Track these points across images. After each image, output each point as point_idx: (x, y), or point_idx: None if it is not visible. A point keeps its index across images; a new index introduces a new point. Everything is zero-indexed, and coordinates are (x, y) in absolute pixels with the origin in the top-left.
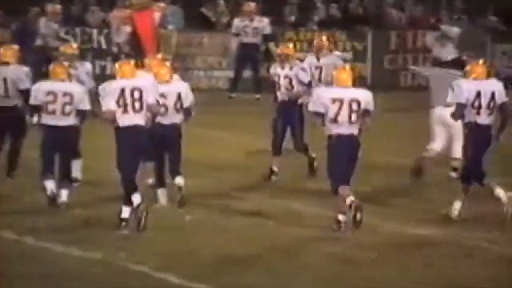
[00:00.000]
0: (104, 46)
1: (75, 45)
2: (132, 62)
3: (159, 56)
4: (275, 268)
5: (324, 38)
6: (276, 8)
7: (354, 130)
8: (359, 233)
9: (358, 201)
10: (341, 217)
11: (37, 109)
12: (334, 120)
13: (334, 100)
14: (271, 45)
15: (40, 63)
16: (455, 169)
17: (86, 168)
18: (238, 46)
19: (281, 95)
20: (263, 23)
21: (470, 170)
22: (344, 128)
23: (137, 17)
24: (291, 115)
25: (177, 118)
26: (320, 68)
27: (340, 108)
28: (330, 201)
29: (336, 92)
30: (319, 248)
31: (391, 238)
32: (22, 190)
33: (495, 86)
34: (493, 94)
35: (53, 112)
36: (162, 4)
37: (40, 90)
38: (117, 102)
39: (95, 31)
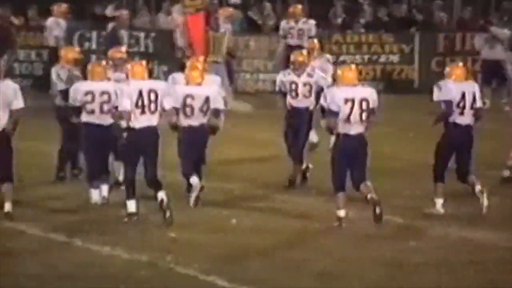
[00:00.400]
0: (151, 49)
1: (123, 49)
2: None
3: (209, 58)
4: (323, 272)
5: (315, 40)
6: (323, 10)
7: (362, 129)
8: (405, 237)
9: (375, 197)
10: (341, 213)
11: (78, 110)
12: (347, 120)
13: (346, 100)
14: None
15: None
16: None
17: None
18: (284, 48)
19: (297, 102)
20: (309, 25)
21: (443, 169)
22: (354, 127)
23: (190, 19)
24: (302, 122)
25: (204, 120)
26: None
27: (352, 108)
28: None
29: (348, 92)
30: (365, 251)
31: (439, 242)
32: (71, 192)
33: (475, 88)
34: (474, 96)
35: (92, 112)
36: (230, 9)
37: (78, 91)
38: (136, 104)
39: (142, 34)
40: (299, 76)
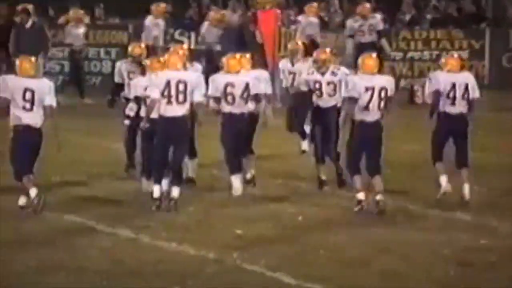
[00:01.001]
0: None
1: (185, 46)
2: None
3: (279, 54)
4: (390, 271)
5: (299, 42)
6: (390, 7)
7: (379, 116)
8: (475, 235)
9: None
10: (360, 195)
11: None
12: (366, 108)
13: (367, 89)
14: (383, 41)
15: None
16: None
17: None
18: (355, 46)
19: (322, 101)
20: (376, 20)
21: (439, 152)
22: (372, 115)
23: (261, 15)
24: (330, 121)
25: (246, 108)
26: (293, 74)
27: (371, 96)
28: (447, 201)
29: (368, 80)
30: (434, 250)
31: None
32: (139, 187)
33: (468, 79)
34: (466, 86)
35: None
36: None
37: (138, 86)
38: (162, 93)
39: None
40: (322, 74)
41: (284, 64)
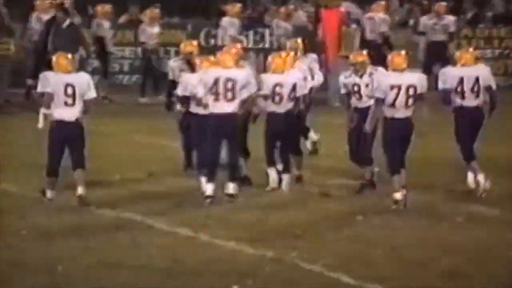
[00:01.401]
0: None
1: (239, 46)
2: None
3: (341, 53)
4: (452, 271)
5: (298, 40)
6: (452, 5)
7: (409, 113)
8: None
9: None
10: (397, 195)
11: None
12: (392, 105)
13: (392, 87)
14: (451, 45)
15: None
16: None
17: None
18: (426, 44)
19: (361, 103)
20: (449, 20)
21: (467, 150)
22: (400, 112)
23: (325, 14)
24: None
25: (289, 107)
26: None
27: (398, 94)
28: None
29: (395, 78)
30: (497, 250)
31: None
32: (197, 185)
33: (480, 71)
34: (477, 79)
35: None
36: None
37: (188, 83)
38: (210, 91)
39: (267, 31)
40: (361, 77)
41: None
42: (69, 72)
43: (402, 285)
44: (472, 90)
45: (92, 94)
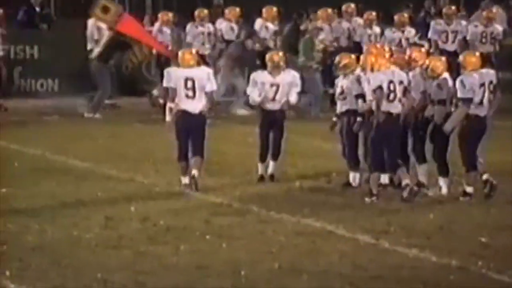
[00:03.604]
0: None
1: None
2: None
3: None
4: None
5: (280, 53)
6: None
7: (488, 110)
8: None
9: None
10: (468, 189)
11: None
12: (480, 103)
13: (481, 85)
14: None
15: None
16: None
17: None
18: None
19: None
20: (497, 30)
21: (473, 158)
22: (484, 109)
23: None
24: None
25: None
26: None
27: (484, 92)
28: None
29: (481, 76)
30: None
31: None
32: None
33: (492, 76)
34: (491, 83)
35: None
36: None
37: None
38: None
39: None
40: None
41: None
42: (191, 66)
43: None
44: (489, 96)
45: (212, 86)
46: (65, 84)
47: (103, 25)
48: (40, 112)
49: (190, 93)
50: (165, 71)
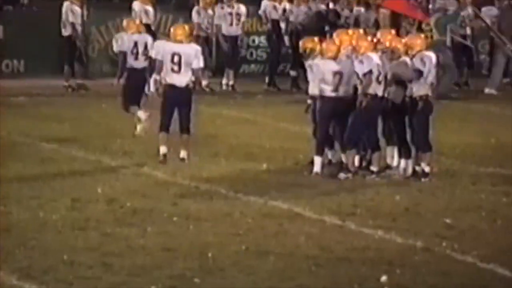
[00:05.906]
0: None
1: None
2: None
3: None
4: None
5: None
6: None
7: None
8: None
9: None
10: (427, 168)
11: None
12: (431, 84)
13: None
14: None
15: None
16: None
17: None
18: None
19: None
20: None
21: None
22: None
23: None
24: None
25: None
26: None
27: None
28: None
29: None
30: None
31: None
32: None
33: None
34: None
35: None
36: None
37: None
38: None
39: None
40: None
41: None
42: (180, 42)
43: None
44: None
45: (199, 63)
46: (31, 65)
47: (77, 8)
48: (5, 94)
49: (176, 68)
50: (155, 44)
